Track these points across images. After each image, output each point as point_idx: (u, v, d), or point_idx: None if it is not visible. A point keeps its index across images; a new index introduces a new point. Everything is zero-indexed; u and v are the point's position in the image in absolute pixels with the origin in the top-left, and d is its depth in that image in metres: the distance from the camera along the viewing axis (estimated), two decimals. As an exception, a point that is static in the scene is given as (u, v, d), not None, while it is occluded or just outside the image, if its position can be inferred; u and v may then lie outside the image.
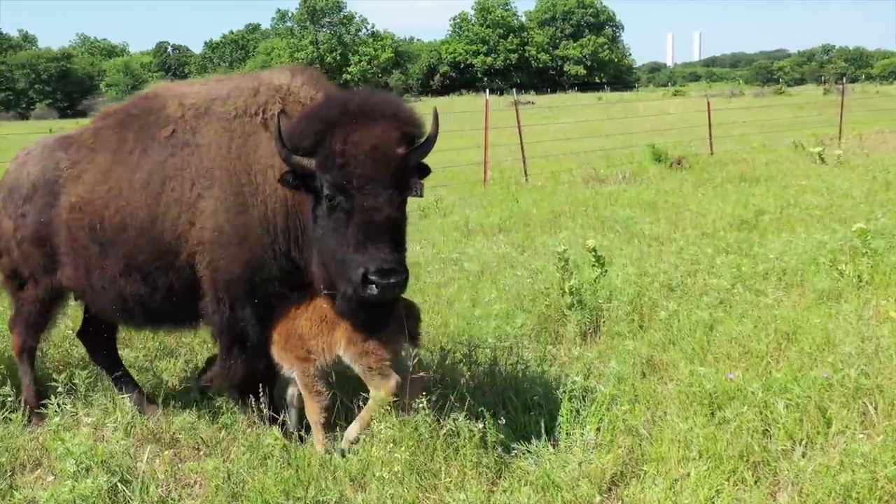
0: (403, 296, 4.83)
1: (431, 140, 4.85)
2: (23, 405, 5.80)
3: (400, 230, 4.60)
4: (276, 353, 5.17)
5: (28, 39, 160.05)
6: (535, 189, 15.95)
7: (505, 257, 9.68)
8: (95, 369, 6.25)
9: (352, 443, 4.97)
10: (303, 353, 5.06)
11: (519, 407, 5.42)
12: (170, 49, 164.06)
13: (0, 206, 5.86)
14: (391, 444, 4.71)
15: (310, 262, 4.93)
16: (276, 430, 5.06)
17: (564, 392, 5.18)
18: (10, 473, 4.92)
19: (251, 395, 5.21)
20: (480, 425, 4.76)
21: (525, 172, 17.84)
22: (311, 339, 5.03)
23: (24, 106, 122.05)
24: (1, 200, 5.87)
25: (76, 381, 5.90)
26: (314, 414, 5.08)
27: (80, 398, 5.77)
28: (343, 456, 4.92)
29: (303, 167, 4.57)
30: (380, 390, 4.90)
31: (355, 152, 4.44)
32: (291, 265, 5.04)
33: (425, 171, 4.93)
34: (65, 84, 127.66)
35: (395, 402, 4.89)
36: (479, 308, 7.42)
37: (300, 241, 4.99)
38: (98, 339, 6.29)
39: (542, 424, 5.04)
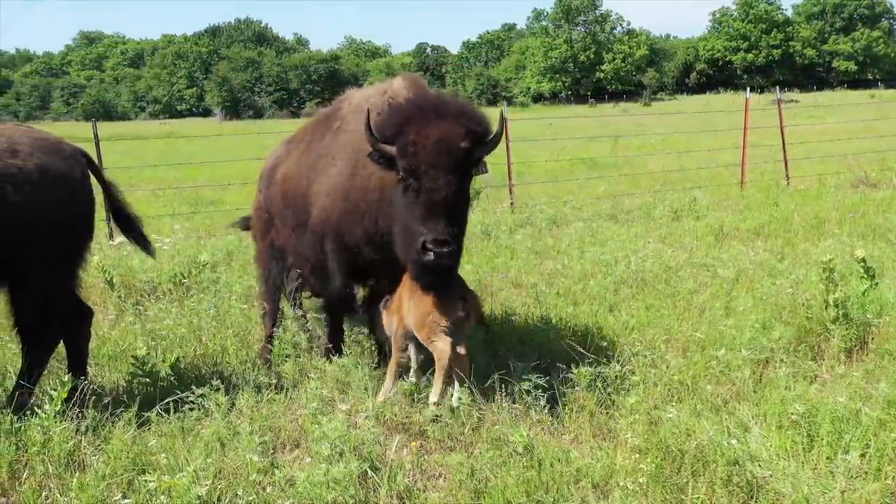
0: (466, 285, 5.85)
1: (496, 138, 5.69)
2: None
3: (456, 209, 5.44)
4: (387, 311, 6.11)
5: (301, 42, 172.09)
6: (797, 193, 15.01)
7: (762, 265, 9.17)
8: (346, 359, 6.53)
9: (435, 404, 5.63)
10: (398, 315, 5.96)
11: (774, 424, 5.12)
12: (428, 49, 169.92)
13: (257, 188, 7.68)
14: (637, 454, 4.60)
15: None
16: (522, 430, 5.08)
17: (826, 412, 4.85)
18: (272, 451, 5.25)
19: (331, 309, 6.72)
20: (734, 441, 4.55)
21: (787, 175, 16.87)
22: (401, 306, 5.91)
23: (295, 105, 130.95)
24: (258, 185, 7.70)
25: (331, 368, 6.28)
26: (392, 366, 5.97)
27: (336, 386, 6.11)
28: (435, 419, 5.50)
29: (385, 152, 5.53)
30: (438, 359, 5.61)
31: (425, 142, 5.35)
32: (377, 231, 6.02)
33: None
34: (332, 84, 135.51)
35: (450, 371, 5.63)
36: (732, 317, 7.09)
37: (386, 210, 5.94)
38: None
39: (800, 445, 4.75)
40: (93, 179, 6.03)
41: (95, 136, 11.57)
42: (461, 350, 5.70)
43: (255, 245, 7.91)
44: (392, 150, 5.48)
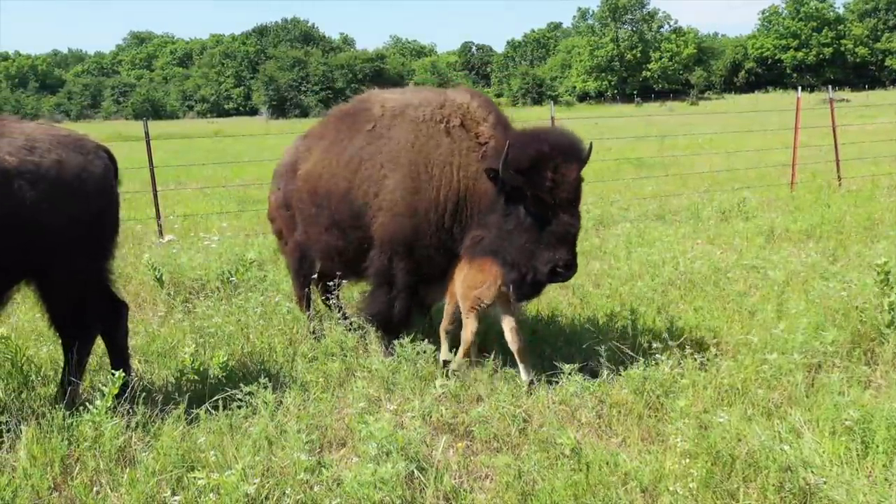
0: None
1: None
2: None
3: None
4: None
5: (347, 42, 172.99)
6: (849, 194, 14.69)
7: (814, 267, 8.98)
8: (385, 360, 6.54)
9: (454, 371, 6.35)
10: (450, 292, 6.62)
11: (827, 430, 5.00)
12: (473, 48, 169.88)
13: (273, 185, 7.88)
14: (687, 458, 4.54)
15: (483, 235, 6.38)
16: (569, 432, 5.04)
17: (881, 418, 4.74)
18: (319, 450, 5.27)
19: (389, 327, 6.86)
20: (786, 447, 4.46)
21: (838, 176, 16.55)
22: (453, 285, 6.54)
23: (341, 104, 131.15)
24: (273, 181, 7.89)
25: (378, 366, 6.29)
26: (466, 334, 6.41)
27: (382, 385, 6.13)
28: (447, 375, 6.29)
29: (514, 180, 5.95)
30: (464, 331, 6.37)
31: (562, 181, 5.95)
32: (449, 237, 6.49)
33: None
34: (378, 83, 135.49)
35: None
36: (784, 320, 6.96)
37: (464, 222, 6.45)
38: (325, 286, 7.75)
39: (855, 452, 4.65)
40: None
41: (146, 134, 11.71)
42: (509, 324, 6.27)
43: (279, 240, 8.17)
44: (520, 180, 5.94)
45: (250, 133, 60.28)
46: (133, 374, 6.09)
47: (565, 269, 6.04)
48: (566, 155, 6.01)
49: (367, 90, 7.76)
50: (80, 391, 5.89)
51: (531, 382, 6.16)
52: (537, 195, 5.95)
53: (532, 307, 8.20)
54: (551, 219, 5.99)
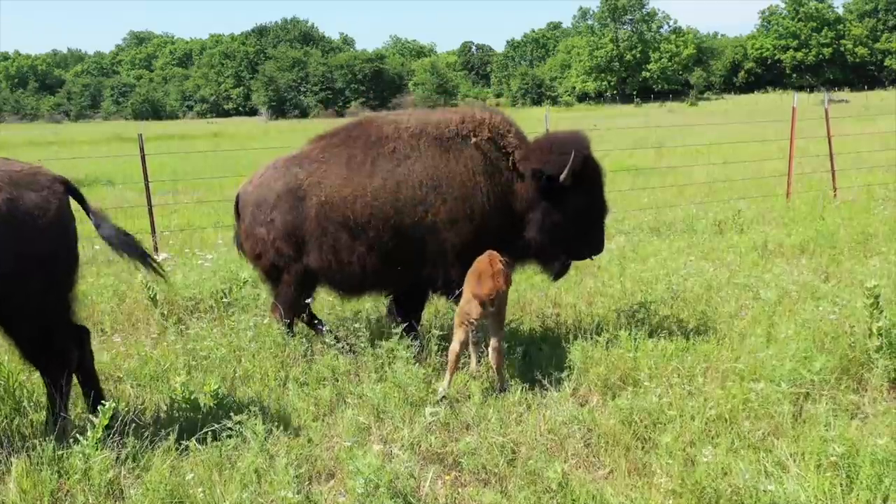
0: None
1: None
2: None
3: None
4: None
5: (347, 42, 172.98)
6: (844, 205, 14.68)
7: (806, 286, 9.01)
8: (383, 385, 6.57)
9: (443, 390, 6.51)
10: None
11: (813, 464, 5.02)
12: (473, 48, 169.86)
13: (251, 220, 7.48)
14: (671, 499, 4.56)
15: (518, 232, 7.33)
16: (557, 465, 5.06)
17: (866, 454, 4.77)
18: (308, 483, 5.28)
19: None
20: (771, 486, 4.48)
21: (834, 186, 16.55)
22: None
23: (340, 104, 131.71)
24: (251, 215, 7.48)
25: (369, 393, 6.31)
26: (452, 345, 6.62)
27: (372, 412, 6.16)
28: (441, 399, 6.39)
29: (570, 180, 6.97)
30: (452, 341, 6.59)
31: (601, 182, 7.39)
32: (497, 237, 7.14)
33: None
34: (377, 83, 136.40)
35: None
36: (773, 346, 6.96)
37: (508, 221, 7.29)
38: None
39: (839, 487, 4.67)
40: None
41: (142, 149, 11.71)
42: (491, 342, 6.58)
43: (268, 272, 7.71)
44: (574, 179, 7.01)
45: (250, 135, 60.26)
46: (106, 396, 6.07)
47: (600, 250, 7.65)
48: (592, 152, 7.27)
49: (363, 115, 8.28)
50: (70, 418, 5.91)
51: (503, 389, 6.56)
52: (589, 199, 7.25)
53: (526, 325, 8.24)
54: (591, 208, 7.31)
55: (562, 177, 6.96)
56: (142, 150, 11.59)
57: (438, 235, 7.20)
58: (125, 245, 6.25)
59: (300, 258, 7.42)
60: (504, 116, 7.56)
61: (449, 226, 7.16)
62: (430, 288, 7.60)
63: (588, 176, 7.19)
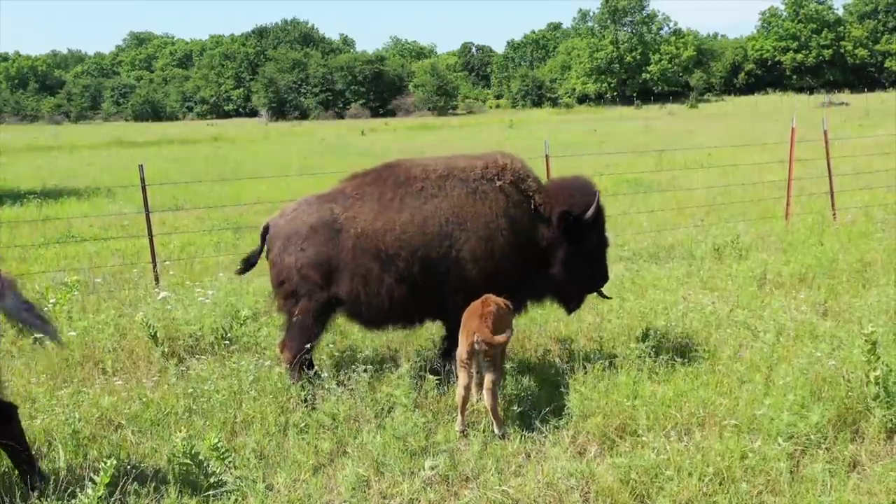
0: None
1: None
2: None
3: None
4: None
5: (347, 43, 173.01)
6: (842, 229, 14.54)
7: (804, 323, 9.02)
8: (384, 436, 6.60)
9: (460, 430, 6.76)
10: None
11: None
12: (473, 49, 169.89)
13: (282, 248, 7.76)
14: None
15: (538, 269, 8.00)
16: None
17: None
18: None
19: None
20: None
21: (833, 208, 16.48)
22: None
23: (340, 106, 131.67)
24: (281, 246, 7.77)
25: (369, 444, 6.33)
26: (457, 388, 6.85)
27: (372, 465, 6.19)
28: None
29: (590, 221, 7.80)
30: (457, 384, 6.79)
31: (603, 213, 8.13)
32: (518, 273, 7.84)
33: None
34: (377, 85, 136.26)
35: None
36: (771, 394, 6.94)
37: (528, 260, 7.88)
38: None
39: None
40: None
41: (142, 180, 11.71)
42: (484, 382, 6.71)
43: (287, 299, 7.81)
44: (594, 219, 7.86)
45: (250, 138, 60.37)
46: (37, 467, 5.88)
47: (607, 279, 8.41)
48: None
49: (398, 158, 8.58)
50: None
51: (501, 435, 6.66)
52: (600, 236, 8.09)
53: (526, 359, 8.27)
54: (600, 242, 8.12)
55: (587, 215, 7.75)
56: (143, 180, 11.60)
57: (462, 270, 7.67)
58: (29, 317, 5.69)
59: (328, 287, 7.67)
60: (522, 162, 8.15)
61: (472, 261, 7.65)
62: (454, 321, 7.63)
63: (599, 214, 7.98)
